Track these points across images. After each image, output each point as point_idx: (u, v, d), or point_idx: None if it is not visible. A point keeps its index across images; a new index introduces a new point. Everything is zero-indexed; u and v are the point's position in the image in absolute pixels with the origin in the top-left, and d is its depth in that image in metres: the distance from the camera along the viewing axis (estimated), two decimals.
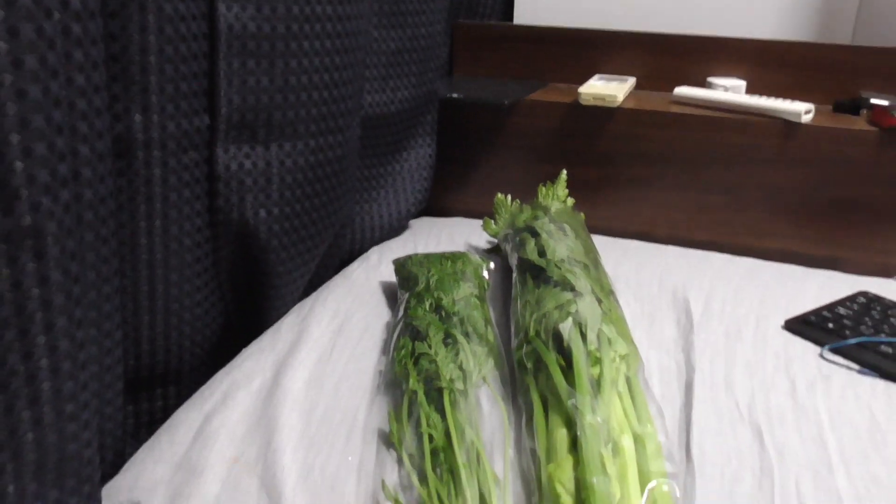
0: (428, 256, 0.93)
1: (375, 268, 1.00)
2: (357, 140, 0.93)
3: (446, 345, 0.74)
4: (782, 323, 0.90)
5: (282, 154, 0.77)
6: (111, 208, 0.56)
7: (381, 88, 1.01)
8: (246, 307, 0.84)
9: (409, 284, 0.87)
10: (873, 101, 1.08)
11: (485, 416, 0.69)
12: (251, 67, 0.72)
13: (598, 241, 1.09)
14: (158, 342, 0.72)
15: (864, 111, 1.10)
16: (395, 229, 1.11)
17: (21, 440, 0.48)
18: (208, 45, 0.70)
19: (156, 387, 0.76)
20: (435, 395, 0.70)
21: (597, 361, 0.67)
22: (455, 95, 1.14)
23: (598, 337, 0.70)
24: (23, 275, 0.44)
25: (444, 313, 0.78)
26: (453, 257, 0.92)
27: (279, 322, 0.85)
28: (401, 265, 0.92)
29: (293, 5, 0.74)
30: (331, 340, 0.81)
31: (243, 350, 0.80)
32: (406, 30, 1.02)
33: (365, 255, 1.04)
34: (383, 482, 0.62)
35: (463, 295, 0.81)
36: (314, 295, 0.92)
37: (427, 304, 0.80)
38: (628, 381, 0.69)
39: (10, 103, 0.43)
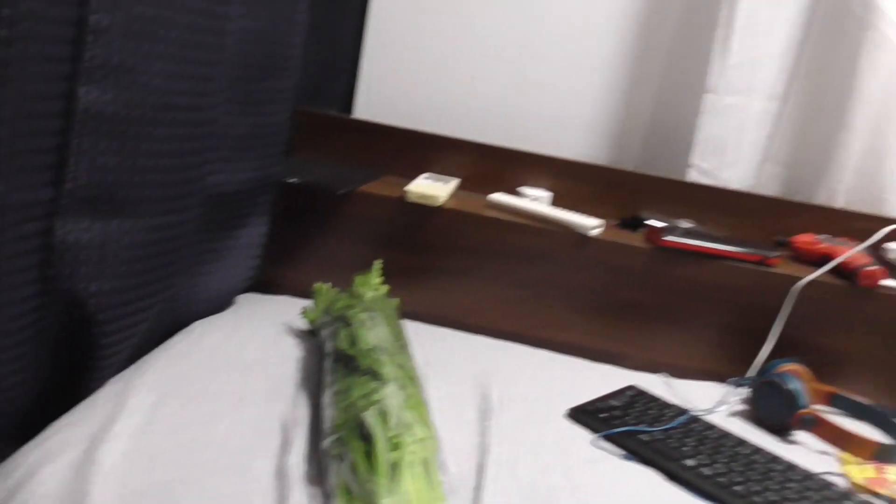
0: None
1: (198, 342, 1.03)
2: (196, 219, 0.97)
3: None
4: (566, 411, 1.03)
5: (121, 231, 0.80)
6: None
7: (223, 170, 1.05)
8: (64, 379, 0.84)
9: None
10: (649, 221, 1.28)
11: None
12: (102, 147, 0.75)
13: (415, 327, 1.19)
14: None
15: (643, 229, 1.30)
16: (222, 304, 1.14)
17: None
18: (64, 123, 0.72)
19: None
20: None
21: (396, 446, 0.75)
22: (294, 181, 1.22)
23: (399, 422, 0.78)
24: None
25: None
26: None
27: (94, 395, 0.86)
28: None
29: (150, 95, 0.79)
30: (150, 411, 0.83)
31: (52, 424, 0.80)
32: (254, 117, 1.08)
33: (188, 329, 1.06)
34: None
35: None
36: (132, 368, 0.93)
37: None
38: (426, 462, 0.77)
39: None
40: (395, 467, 0.73)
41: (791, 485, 0.91)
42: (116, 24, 0.74)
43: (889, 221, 1.30)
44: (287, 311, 1.17)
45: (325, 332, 1.01)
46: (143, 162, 0.82)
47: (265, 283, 1.27)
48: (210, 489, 0.73)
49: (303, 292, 1.19)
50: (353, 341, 0.92)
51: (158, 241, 0.87)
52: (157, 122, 0.82)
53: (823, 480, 0.94)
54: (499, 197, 1.31)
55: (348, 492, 0.71)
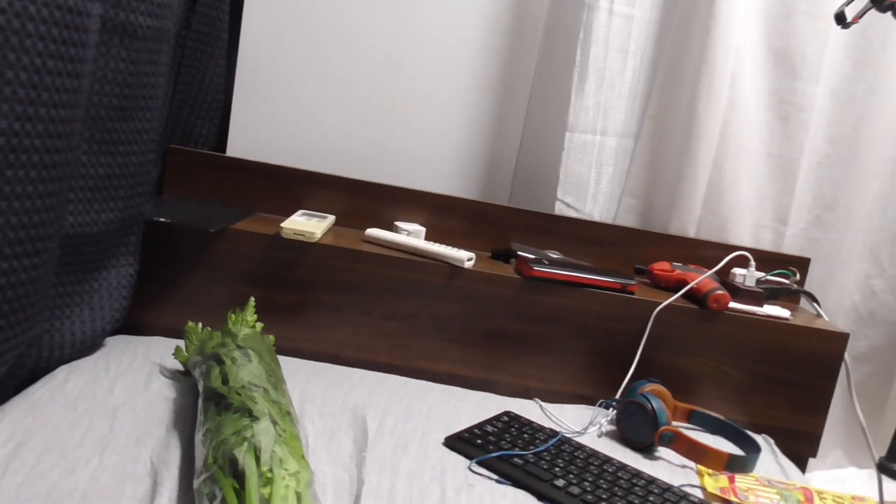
0: None
1: (61, 387, 0.99)
2: (54, 261, 0.94)
3: None
4: (442, 439, 1.05)
5: None
6: None
7: (85, 210, 1.03)
8: None
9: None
10: (519, 252, 1.34)
11: None
12: None
13: (292, 362, 1.19)
14: None
15: (513, 260, 1.36)
16: (89, 347, 1.10)
17: None
18: None
19: None
20: None
21: (268, 481, 0.75)
22: (163, 220, 1.20)
23: (271, 457, 0.78)
24: None
25: None
26: None
27: None
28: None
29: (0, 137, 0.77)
30: (3, 464, 0.79)
31: None
32: (116, 157, 1.06)
33: (51, 375, 1.02)
34: None
35: None
36: None
37: None
38: (299, 495, 0.77)
39: None
40: (267, 502, 0.73)
41: (652, 498, 0.97)
42: None
43: (734, 249, 1.42)
44: (159, 353, 1.14)
45: (198, 372, 1.00)
46: None
47: (136, 326, 1.23)
48: None
49: (176, 333, 1.17)
50: (224, 379, 0.92)
51: (12, 284, 0.84)
52: (7, 164, 0.79)
53: (681, 492, 1.00)
54: (374, 232, 1.34)
55: None
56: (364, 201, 1.42)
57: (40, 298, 0.92)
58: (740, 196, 1.50)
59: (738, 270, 1.41)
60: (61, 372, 1.03)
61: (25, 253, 0.85)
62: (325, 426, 1.03)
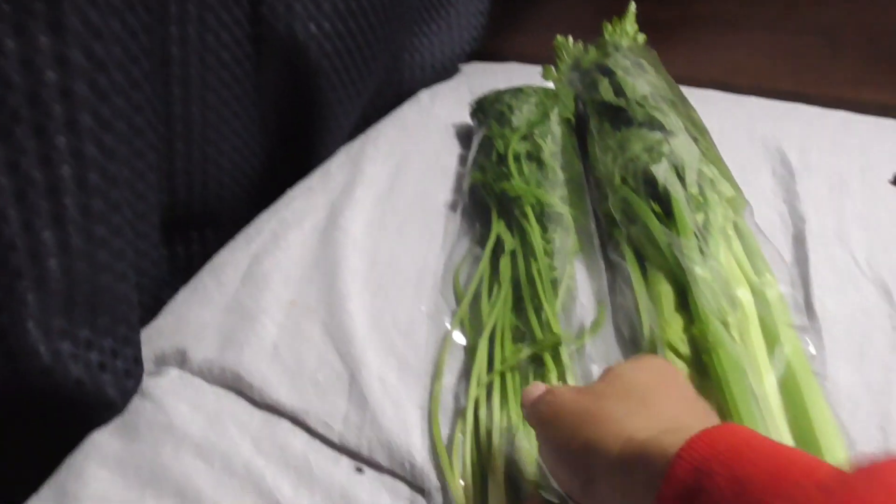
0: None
1: (428, 109, 0.89)
2: None
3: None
4: (889, 177, 0.79)
5: None
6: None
7: None
8: (291, 143, 0.74)
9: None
10: None
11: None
12: None
13: None
14: (195, 175, 0.62)
15: None
16: (447, 70, 0.99)
17: (43, 266, 0.39)
18: None
19: (191, 228, 0.67)
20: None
21: (699, 206, 0.58)
22: None
23: (699, 178, 0.61)
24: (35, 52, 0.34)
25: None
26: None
27: (327, 162, 0.76)
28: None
29: None
30: (388, 181, 0.71)
31: (289, 191, 0.71)
32: None
33: (415, 97, 0.93)
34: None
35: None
36: (363, 136, 0.82)
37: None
38: (736, 226, 0.59)
39: None
40: (703, 230, 0.56)
41: None
42: None
43: None
44: (519, 78, 0.99)
45: (579, 87, 0.83)
46: None
47: (488, 53, 1.09)
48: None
49: (531, 58, 1.01)
50: (618, 91, 0.74)
51: None
52: None
53: None
54: None
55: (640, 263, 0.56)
56: None
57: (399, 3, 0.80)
58: None
59: None
60: (424, 95, 0.94)
61: None
62: (731, 158, 0.81)
